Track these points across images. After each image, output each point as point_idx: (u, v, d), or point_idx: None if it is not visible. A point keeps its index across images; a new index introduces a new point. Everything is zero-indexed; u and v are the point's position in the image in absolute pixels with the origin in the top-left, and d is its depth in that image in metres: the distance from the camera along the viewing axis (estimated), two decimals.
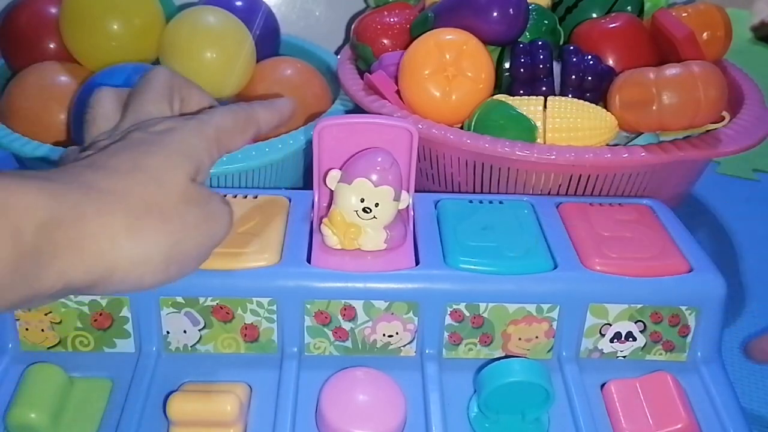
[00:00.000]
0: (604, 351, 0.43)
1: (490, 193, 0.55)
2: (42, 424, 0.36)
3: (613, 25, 0.59)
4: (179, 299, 0.40)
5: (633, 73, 0.53)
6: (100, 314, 0.41)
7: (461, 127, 0.55)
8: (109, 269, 0.29)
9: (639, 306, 0.41)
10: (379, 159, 0.41)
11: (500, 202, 0.48)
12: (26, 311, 0.41)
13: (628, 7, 0.62)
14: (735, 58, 0.66)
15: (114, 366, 0.41)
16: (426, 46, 0.56)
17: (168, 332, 0.41)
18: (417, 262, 0.42)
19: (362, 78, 0.61)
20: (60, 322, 0.41)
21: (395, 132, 0.42)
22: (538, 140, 0.53)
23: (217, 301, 0.40)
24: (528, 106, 0.53)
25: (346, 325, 0.41)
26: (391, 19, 0.64)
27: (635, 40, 0.59)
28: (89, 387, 0.39)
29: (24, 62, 0.64)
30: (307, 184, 0.62)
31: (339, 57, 0.68)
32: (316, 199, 0.45)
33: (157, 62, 0.63)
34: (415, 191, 0.45)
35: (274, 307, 0.40)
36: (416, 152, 0.43)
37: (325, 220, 0.42)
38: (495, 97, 0.55)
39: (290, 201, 0.47)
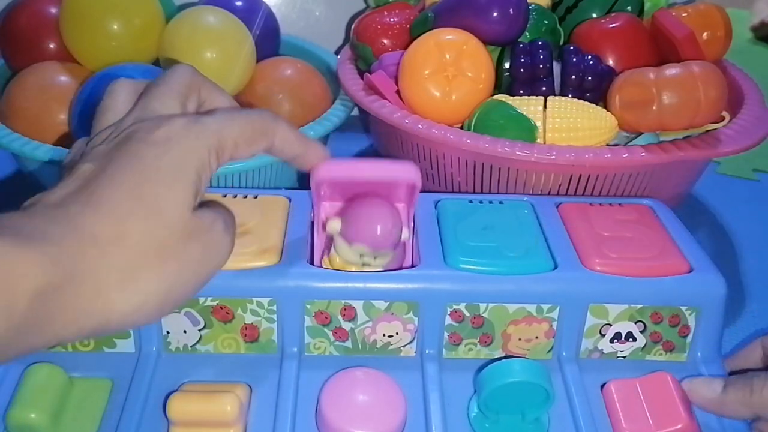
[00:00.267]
0: (604, 351, 0.43)
1: (490, 193, 0.55)
2: (42, 424, 0.36)
3: (613, 25, 0.59)
4: None
5: (633, 73, 0.53)
6: None
7: (461, 127, 0.55)
8: (102, 324, 0.29)
9: (639, 306, 0.41)
10: (379, 229, 0.40)
11: (500, 202, 0.48)
12: None
13: (628, 7, 0.62)
14: (735, 58, 0.66)
15: (114, 366, 0.41)
16: (426, 46, 0.56)
17: (168, 332, 0.41)
18: (417, 262, 0.42)
19: (362, 78, 0.61)
20: None
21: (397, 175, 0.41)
22: (538, 140, 0.53)
23: (217, 301, 0.40)
24: (528, 106, 0.53)
25: (346, 325, 0.41)
26: (391, 19, 0.64)
27: (635, 40, 0.59)
28: (89, 387, 0.39)
29: (24, 62, 0.63)
30: (303, 185, 0.62)
31: (339, 57, 0.68)
32: (316, 242, 0.44)
33: (157, 62, 0.63)
34: None
35: (274, 307, 0.40)
36: (417, 197, 0.42)
37: (325, 258, 0.42)
38: (495, 97, 0.55)
39: (290, 201, 0.47)
